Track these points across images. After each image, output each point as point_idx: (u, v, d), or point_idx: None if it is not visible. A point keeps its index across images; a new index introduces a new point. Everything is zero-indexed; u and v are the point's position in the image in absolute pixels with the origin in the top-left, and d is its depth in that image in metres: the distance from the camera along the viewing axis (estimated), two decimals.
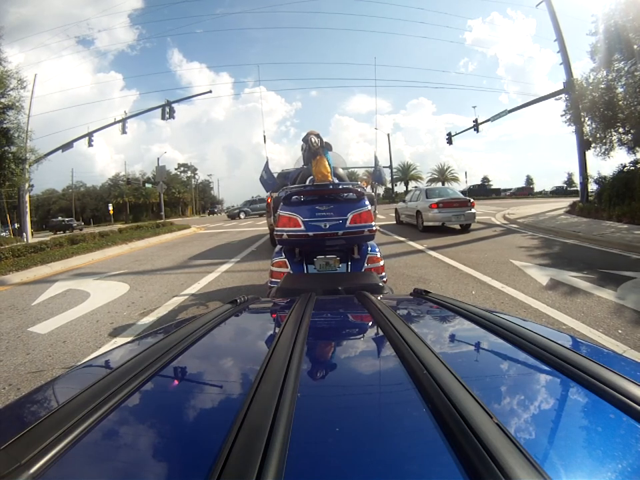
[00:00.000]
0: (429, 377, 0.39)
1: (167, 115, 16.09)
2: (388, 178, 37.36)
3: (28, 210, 15.48)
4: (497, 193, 42.99)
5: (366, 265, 2.49)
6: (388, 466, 0.31)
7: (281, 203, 2.51)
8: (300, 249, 2.53)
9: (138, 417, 0.43)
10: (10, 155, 11.02)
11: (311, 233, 2.33)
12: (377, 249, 2.59)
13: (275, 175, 4.24)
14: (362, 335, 0.73)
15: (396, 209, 12.01)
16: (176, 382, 0.52)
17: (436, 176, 43.32)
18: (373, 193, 3.45)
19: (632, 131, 9.63)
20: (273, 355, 0.47)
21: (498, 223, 10.49)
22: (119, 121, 16.80)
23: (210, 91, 19.30)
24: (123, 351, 0.68)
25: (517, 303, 3.22)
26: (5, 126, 10.83)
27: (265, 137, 3.79)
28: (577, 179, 16.06)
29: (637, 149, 10.00)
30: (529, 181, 50.54)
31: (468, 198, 9.13)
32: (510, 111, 15.77)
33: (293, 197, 2.49)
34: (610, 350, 0.63)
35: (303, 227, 2.34)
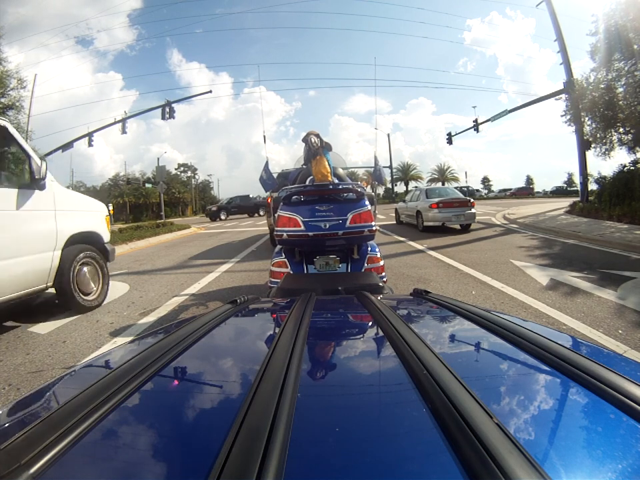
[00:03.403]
0: (429, 377, 0.39)
1: (167, 115, 16.09)
2: (388, 178, 37.40)
3: None
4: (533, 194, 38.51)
5: (366, 264, 2.49)
6: (388, 466, 0.31)
7: (281, 203, 2.51)
8: (300, 249, 2.53)
9: (138, 417, 0.43)
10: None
11: (310, 233, 2.33)
12: (377, 249, 2.59)
13: (275, 175, 4.24)
14: (362, 335, 0.73)
15: (396, 209, 12.01)
16: (176, 382, 0.52)
17: (436, 176, 43.31)
18: (373, 193, 3.45)
19: (632, 131, 9.62)
20: (272, 355, 0.47)
21: (498, 222, 10.49)
22: (118, 121, 16.82)
23: (210, 91, 19.34)
24: (122, 351, 0.68)
25: (517, 303, 3.22)
26: None
27: (264, 137, 3.79)
28: (577, 179, 16.05)
29: (637, 148, 9.98)
30: (529, 180, 50.57)
31: (468, 198, 9.12)
32: (510, 111, 15.77)
33: (293, 197, 2.49)
34: (610, 350, 0.63)
35: (302, 227, 2.34)
